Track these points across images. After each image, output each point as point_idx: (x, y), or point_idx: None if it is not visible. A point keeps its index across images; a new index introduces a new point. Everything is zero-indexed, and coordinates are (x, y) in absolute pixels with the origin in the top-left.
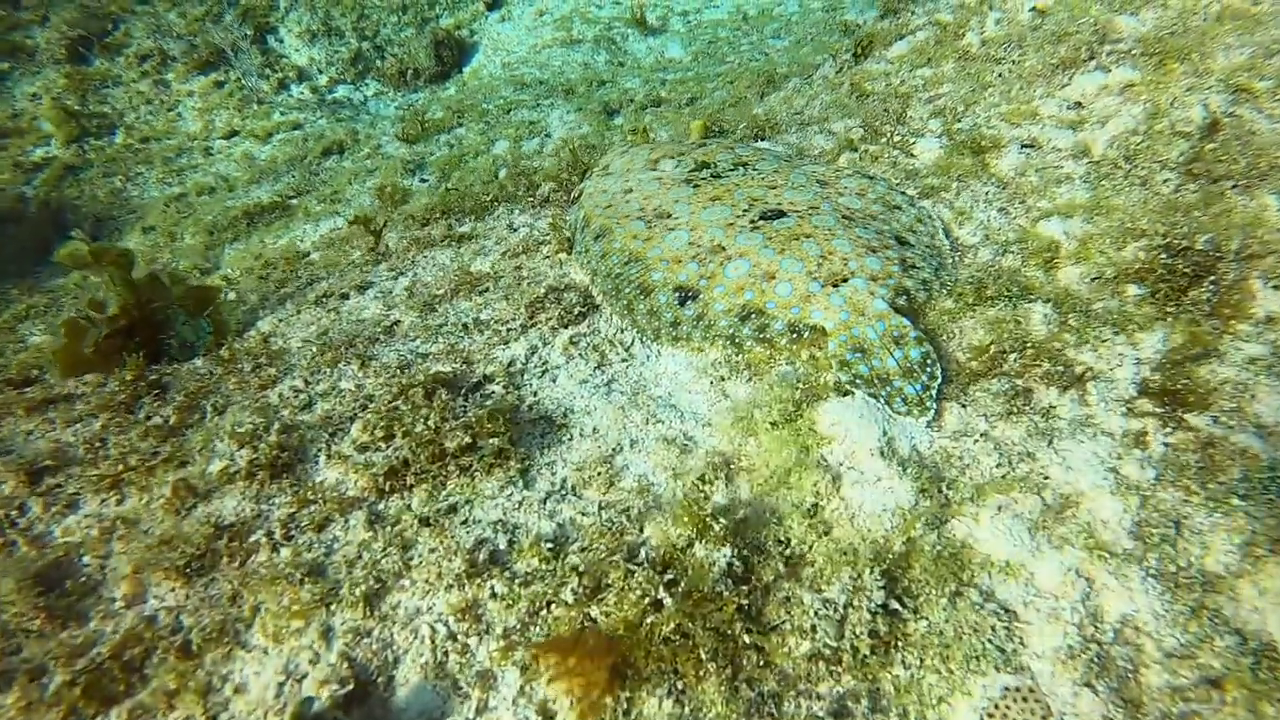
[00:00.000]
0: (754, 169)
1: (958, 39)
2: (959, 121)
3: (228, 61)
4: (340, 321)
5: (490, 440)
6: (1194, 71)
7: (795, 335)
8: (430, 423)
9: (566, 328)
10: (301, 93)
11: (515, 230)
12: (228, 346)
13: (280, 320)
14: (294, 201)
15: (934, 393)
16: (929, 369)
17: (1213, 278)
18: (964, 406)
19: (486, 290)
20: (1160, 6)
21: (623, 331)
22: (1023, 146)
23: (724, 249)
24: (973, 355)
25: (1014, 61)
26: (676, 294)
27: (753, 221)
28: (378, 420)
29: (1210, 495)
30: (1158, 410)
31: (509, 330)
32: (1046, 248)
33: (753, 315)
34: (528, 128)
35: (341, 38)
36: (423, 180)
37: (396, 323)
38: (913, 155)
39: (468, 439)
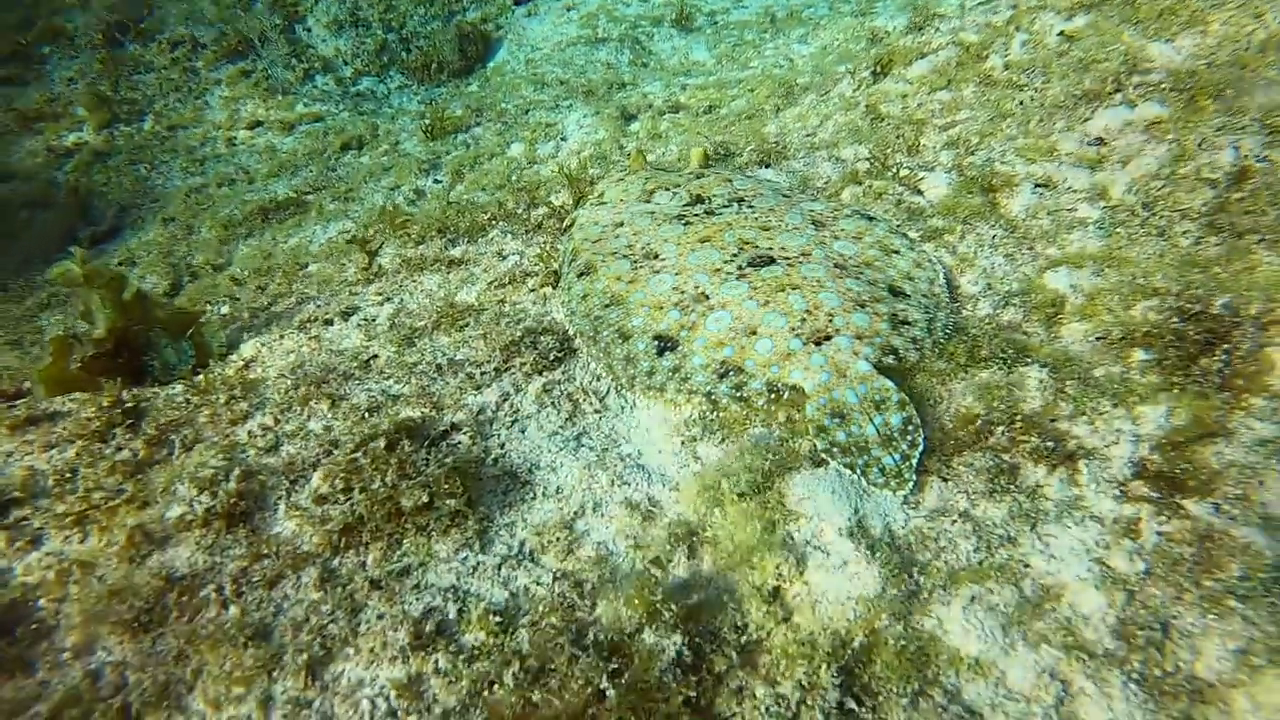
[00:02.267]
0: (750, 205)
1: (980, 61)
2: (972, 155)
3: (255, 51)
4: (319, 352)
5: (448, 501)
6: (1228, 109)
7: (774, 395)
8: (388, 479)
9: (541, 374)
10: (326, 84)
11: (505, 258)
12: (205, 375)
13: (263, 344)
14: (310, 198)
15: (913, 464)
16: (909, 437)
17: (1226, 345)
18: (945, 481)
19: (467, 326)
20: (1199, 33)
21: (598, 380)
22: (1036, 186)
23: (707, 298)
24: (959, 424)
25: (1036, 90)
26: (655, 343)
27: (740, 269)
28: (337, 471)
29: (1205, 594)
30: (1154, 495)
31: (482, 374)
32: (1051, 302)
33: (731, 373)
34: (544, 130)
35: (368, 29)
36: (436, 181)
37: (374, 357)
38: (920, 192)
39: (425, 498)
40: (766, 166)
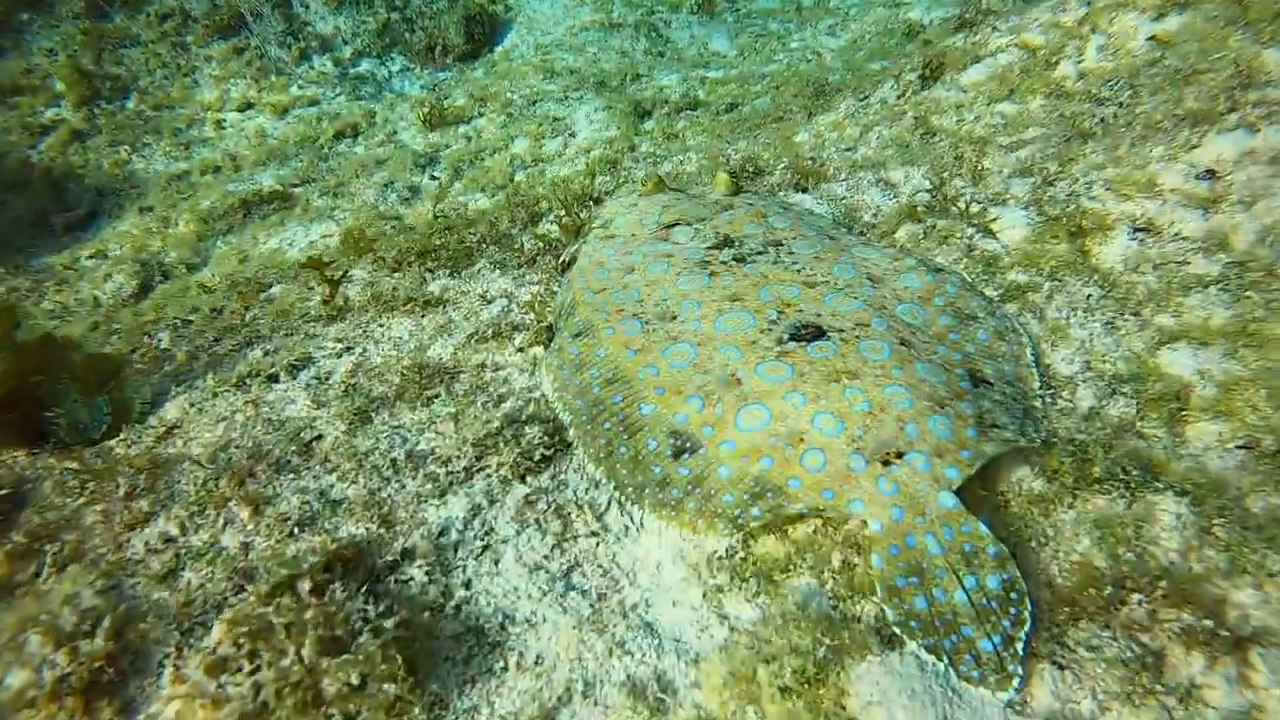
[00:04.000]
0: (790, 252)
1: (1049, 68)
2: (1051, 185)
3: (248, 27)
4: (255, 422)
5: (385, 687)
6: None
7: (827, 529)
8: (306, 652)
9: (524, 479)
10: (323, 65)
11: (490, 302)
12: (105, 457)
13: (193, 405)
14: (297, 191)
15: (1020, 650)
16: (1014, 610)
17: None
18: (1061, 669)
19: (437, 398)
20: None
21: (595, 487)
22: (1135, 230)
23: (740, 382)
24: (1076, 580)
25: (1122, 105)
26: (671, 441)
27: (780, 341)
28: (244, 627)
29: None
30: None
31: (449, 475)
32: (1173, 393)
33: (769, 493)
34: (551, 124)
35: (370, 6)
36: (433, 178)
37: (319, 437)
38: (991, 233)
39: (355, 679)
40: (803, 191)
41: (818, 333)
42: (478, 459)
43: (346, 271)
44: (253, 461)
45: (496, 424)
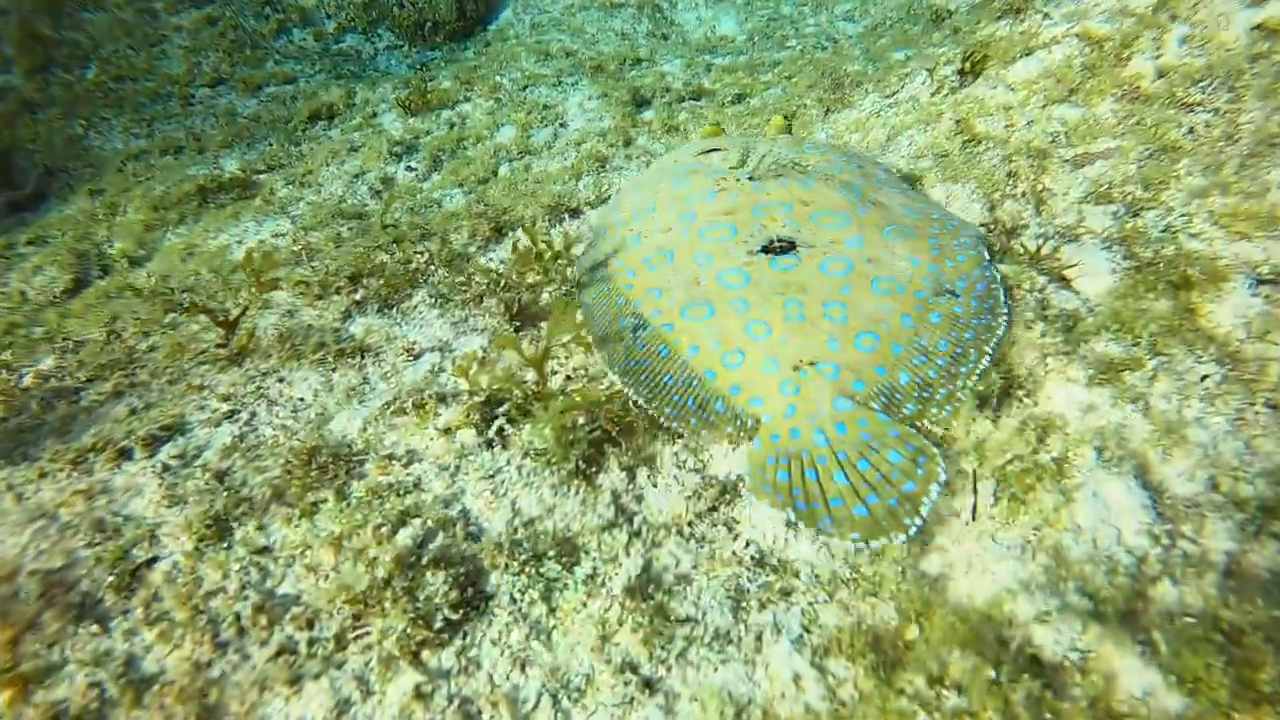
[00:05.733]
0: (802, 172)
1: (1119, 65)
2: (1137, 216)
3: None
4: (79, 528)
5: None
6: None
7: (738, 424)
8: None
9: (416, 658)
10: (304, 39)
11: (417, 358)
12: None
13: (11, 488)
14: (261, 177)
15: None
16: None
17: None
18: None
19: (322, 507)
20: None
21: (522, 667)
22: (1258, 282)
23: (699, 285)
24: None
25: (1217, 111)
26: (632, 320)
27: (751, 253)
28: None
29: None
30: None
31: (311, 645)
32: None
33: (694, 383)
34: (541, 112)
35: None
36: (409, 169)
37: (152, 560)
38: (1066, 283)
39: None
40: None
41: (788, 246)
42: (355, 619)
43: (245, 309)
44: (43, 602)
45: (385, 569)
